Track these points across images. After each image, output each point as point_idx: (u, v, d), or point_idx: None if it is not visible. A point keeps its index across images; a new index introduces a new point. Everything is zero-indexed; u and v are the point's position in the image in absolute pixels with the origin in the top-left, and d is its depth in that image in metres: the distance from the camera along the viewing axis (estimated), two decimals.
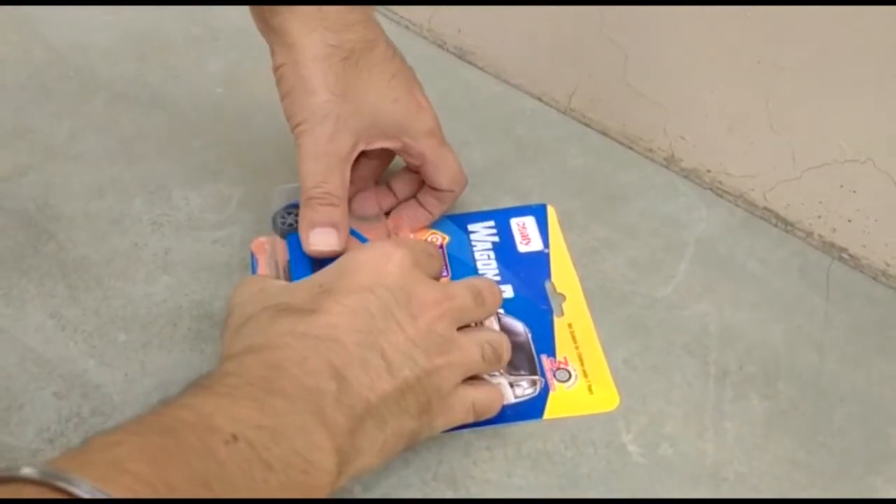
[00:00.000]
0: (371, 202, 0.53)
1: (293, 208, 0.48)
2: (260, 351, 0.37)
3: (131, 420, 0.32)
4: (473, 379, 0.43)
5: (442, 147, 0.50)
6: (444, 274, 0.52)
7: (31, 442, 0.44)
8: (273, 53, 0.47)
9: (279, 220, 0.48)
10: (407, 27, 0.69)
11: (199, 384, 0.35)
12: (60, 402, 0.46)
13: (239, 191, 0.56)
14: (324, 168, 0.46)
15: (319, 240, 0.46)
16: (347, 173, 0.47)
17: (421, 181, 0.52)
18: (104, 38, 0.66)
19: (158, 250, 0.53)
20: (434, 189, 0.52)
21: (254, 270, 0.50)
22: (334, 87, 0.45)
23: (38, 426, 0.45)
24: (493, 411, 0.43)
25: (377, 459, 0.39)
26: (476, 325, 0.44)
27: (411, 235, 0.53)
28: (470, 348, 0.41)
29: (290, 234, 0.47)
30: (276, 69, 0.46)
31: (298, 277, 0.44)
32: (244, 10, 0.70)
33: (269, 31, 0.46)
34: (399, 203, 0.53)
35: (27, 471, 0.27)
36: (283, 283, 0.43)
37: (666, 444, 0.45)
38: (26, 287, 0.51)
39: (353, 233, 0.48)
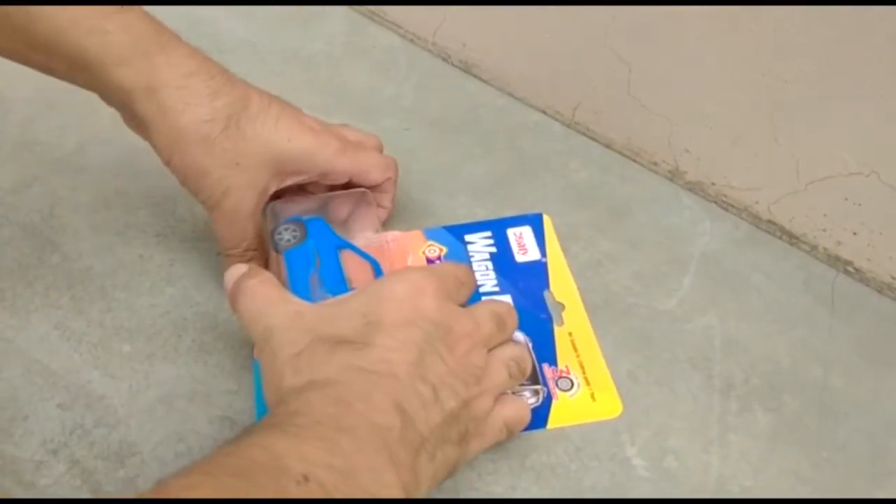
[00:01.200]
0: (362, 222, 0.52)
1: (290, 224, 0.48)
2: (324, 387, 0.37)
3: (203, 460, 0.33)
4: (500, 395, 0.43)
5: (355, 153, 0.50)
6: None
7: (34, 453, 0.44)
8: (155, 148, 0.46)
9: (276, 237, 0.48)
10: (412, 41, 0.69)
11: (268, 423, 0.35)
12: (64, 413, 0.46)
13: None
14: (236, 232, 0.48)
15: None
16: (257, 221, 0.49)
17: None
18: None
19: (163, 262, 0.53)
20: (374, 187, 0.52)
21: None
22: (223, 162, 0.46)
23: (41, 437, 0.45)
24: (524, 424, 0.43)
25: (427, 492, 0.39)
26: None
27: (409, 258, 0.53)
28: (499, 370, 0.42)
29: (287, 250, 0.47)
30: (165, 163, 0.46)
31: (298, 292, 0.44)
32: (250, 23, 0.70)
33: (142, 125, 0.46)
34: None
35: None
36: (314, 305, 0.42)
37: (670, 458, 0.45)
38: (31, 298, 0.51)
39: (360, 253, 0.48)
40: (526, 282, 0.52)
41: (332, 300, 0.42)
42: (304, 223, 0.48)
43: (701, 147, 0.57)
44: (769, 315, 0.51)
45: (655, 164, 0.60)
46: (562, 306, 0.51)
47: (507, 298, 0.51)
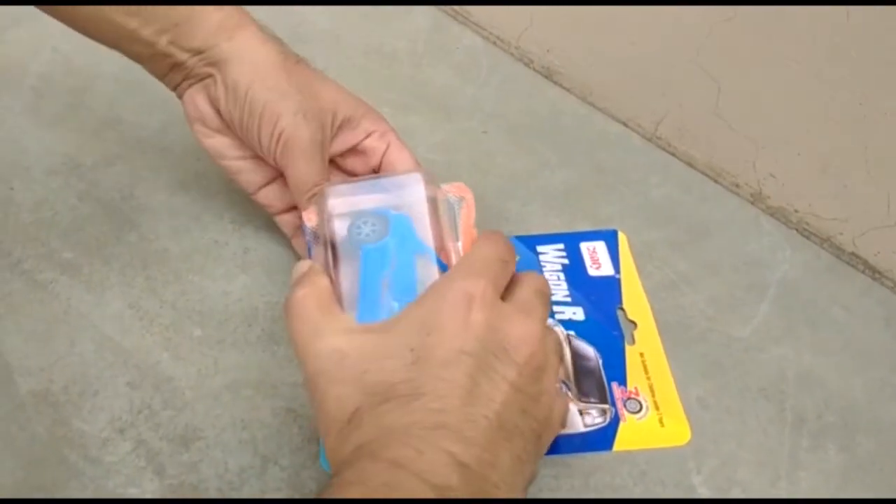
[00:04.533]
0: None
1: (372, 216, 0.46)
2: (374, 452, 0.35)
3: None
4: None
5: (397, 143, 0.50)
6: None
7: (102, 430, 0.45)
8: (223, 82, 0.47)
9: (353, 229, 0.46)
10: (495, 43, 0.69)
11: (324, 499, 0.34)
12: (133, 392, 0.46)
13: None
14: (313, 167, 0.47)
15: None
16: (326, 160, 0.48)
17: None
18: None
19: (238, 249, 0.53)
20: None
21: (310, 253, 0.47)
22: (299, 86, 0.47)
23: (110, 415, 0.45)
24: (566, 420, 0.43)
25: None
26: None
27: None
28: (553, 359, 0.40)
29: (365, 245, 0.44)
30: (243, 95, 0.47)
31: (365, 293, 0.42)
32: (334, 15, 0.71)
33: (215, 60, 0.47)
34: None
35: None
36: (358, 339, 0.38)
37: (737, 489, 0.44)
38: (107, 275, 0.52)
39: (439, 263, 0.44)
40: (598, 296, 0.51)
41: (378, 326, 0.39)
42: (387, 219, 0.45)
43: (787, 172, 0.55)
44: (847, 350, 0.50)
45: (737, 185, 0.58)
46: (634, 325, 0.50)
47: (579, 310, 0.50)
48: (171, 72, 0.48)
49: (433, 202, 0.45)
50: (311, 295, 0.40)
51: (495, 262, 0.40)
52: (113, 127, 0.60)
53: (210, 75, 0.47)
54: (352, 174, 0.51)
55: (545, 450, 0.40)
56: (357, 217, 0.45)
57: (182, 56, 0.47)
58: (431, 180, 0.46)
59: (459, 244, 0.46)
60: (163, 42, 0.47)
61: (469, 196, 0.47)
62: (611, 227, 0.55)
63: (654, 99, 0.61)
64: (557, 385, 0.41)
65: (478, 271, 0.39)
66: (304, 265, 0.42)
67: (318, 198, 0.46)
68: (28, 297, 0.50)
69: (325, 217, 0.45)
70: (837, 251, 0.55)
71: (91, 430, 0.45)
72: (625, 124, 0.63)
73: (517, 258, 0.42)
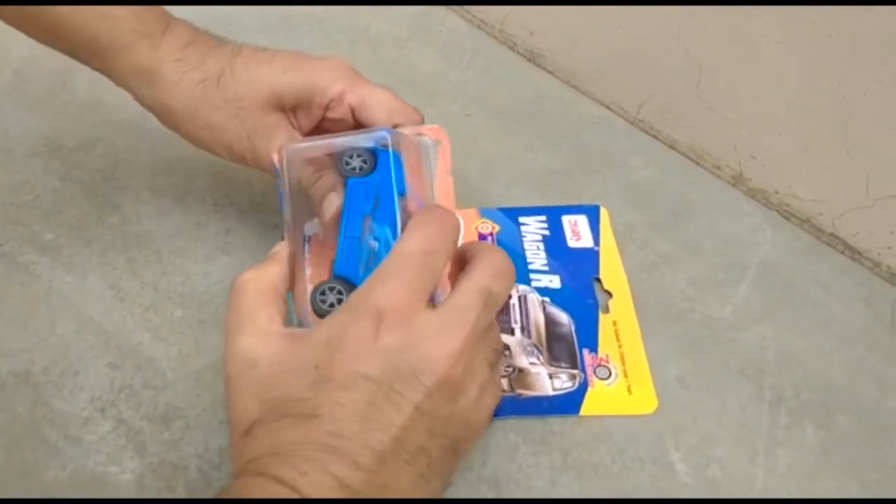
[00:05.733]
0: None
1: (363, 151, 0.44)
2: (260, 468, 0.34)
3: None
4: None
5: (364, 85, 0.47)
6: None
7: (82, 409, 0.45)
8: (177, 131, 0.48)
9: (343, 160, 0.44)
10: (479, 27, 0.69)
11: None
12: (114, 372, 0.46)
13: None
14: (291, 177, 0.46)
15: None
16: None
17: None
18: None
19: (219, 230, 0.53)
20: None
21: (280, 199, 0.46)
22: (230, 112, 0.46)
23: (90, 394, 0.45)
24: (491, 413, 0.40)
25: None
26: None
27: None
28: (479, 370, 0.38)
29: (351, 178, 0.43)
30: (195, 140, 0.48)
31: (348, 229, 0.41)
32: None
33: (159, 112, 0.47)
34: None
35: None
36: (273, 345, 0.37)
37: (715, 466, 0.44)
38: (89, 256, 0.51)
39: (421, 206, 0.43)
40: (576, 266, 0.52)
41: (295, 333, 0.38)
42: (376, 155, 0.44)
43: (767, 154, 0.56)
44: (826, 330, 0.50)
45: (719, 168, 0.58)
46: (609, 295, 0.50)
47: (556, 278, 0.51)
48: None
49: (407, 144, 0.45)
50: (252, 281, 0.39)
51: (418, 259, 0.38)
52: (94, 109, 0.60)
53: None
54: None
55: (464, 455, 0.39)
56: (347, 150, 0.44)
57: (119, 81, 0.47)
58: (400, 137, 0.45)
59: (434, 191, 0.46)
60: (95, 65, 0.47)
61: (445, 140, 0.47)
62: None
63: (637, 82, 0.61)
64: (494, 377, 0.39)
65: (395, 277, 0.37)
66: (276, 247, 0.42)
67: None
68: (9, 279, 0.50)
69: (286, 172, 0.44)
70: (817, 232, 0.55)
71: (72, 410, 0.45)
72: (608, 107, 0.63)
73: (459, 234, 0.40)
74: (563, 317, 0.49)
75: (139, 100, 0.48)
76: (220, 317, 0.49)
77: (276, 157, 0.46)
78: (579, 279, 0.51)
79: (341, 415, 0.35)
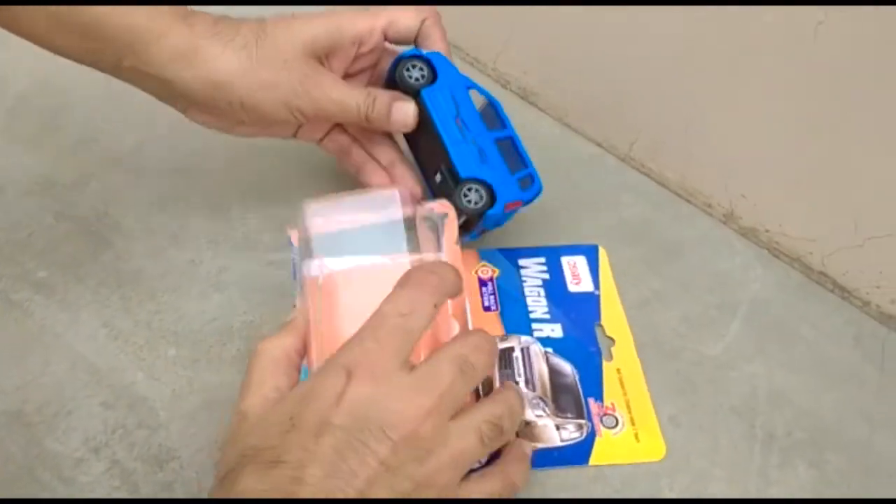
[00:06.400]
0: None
1: (412, 58, 0.48)
2: None
3: None
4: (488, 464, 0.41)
5: (378, 8, 0.51)
6: (494, 308, 0.51)
7: (76, 450, 0.45)
8: (231, 104, 0.49)
9: (405, 73, 0.48)
10: (472, 64, 0.69)
11: None
12: (107, 412, 0.46)
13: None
14: (346, 91, 0.50)
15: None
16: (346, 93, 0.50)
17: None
18: None
19: (213, 268, 0.53)
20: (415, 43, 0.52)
21: (294, 273, 0.47)
22: (275, 67, 0.48)
23: (84, 435, 0.45)
24: (522, 484, 0.41)
25: None
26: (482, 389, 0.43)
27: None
28: (465, 438, 0.38)
29: (425, 88, 0.48)
30: (252, 108, 0.49)
31: (447, 134, 0.48)
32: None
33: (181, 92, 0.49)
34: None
35: None
36: (266, 402, 0.38)
37: None
38: (82, 294, 0.51)
39: (480, 90, 0.51)
40: (577, 312, 0.52)
41: (291, 390, 0.39)
42: (426, 58, 0.48)
43: (758, 193, 0.56)
44: (817, 368, 0.51)
45: (710, 206, 0.59)
46: (612, 341, 0.51)
47: (558, 327, 0.51)
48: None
49: (411, 220, 0.46)
50: (269, 350, 0.40)
51: (395, 320, 0.39)
52: (88, 146, 0.60)
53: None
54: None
55: None
56: (401, 64, 0.49)
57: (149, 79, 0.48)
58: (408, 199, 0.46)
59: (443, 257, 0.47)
60: (127, 63, 0.47)
61: (452, 212, 0.48)
62: (592, 243, 0.56)
63: (628, 121, 0.61)
64: (495, 476, 0.40)
65: (370, 336, 0.38)
66: (293, 314, 0.42)
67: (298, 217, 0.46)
68: (3, 317, 0.50)
69: (303, 237, 0.45)
70: (807, 270, 0.56)
71: (65, 451, 0.45)
72: (599, 145, 0.64)
73: (454, 288, 0.41)
74: (566, 367, 0.49)
75: (180, 87, 0.48)
76: (213, 356, 0.49)
77: (291, 232, 0.48)
78: (581, 326, 0.51)
79: (307, 460, 0.35)
